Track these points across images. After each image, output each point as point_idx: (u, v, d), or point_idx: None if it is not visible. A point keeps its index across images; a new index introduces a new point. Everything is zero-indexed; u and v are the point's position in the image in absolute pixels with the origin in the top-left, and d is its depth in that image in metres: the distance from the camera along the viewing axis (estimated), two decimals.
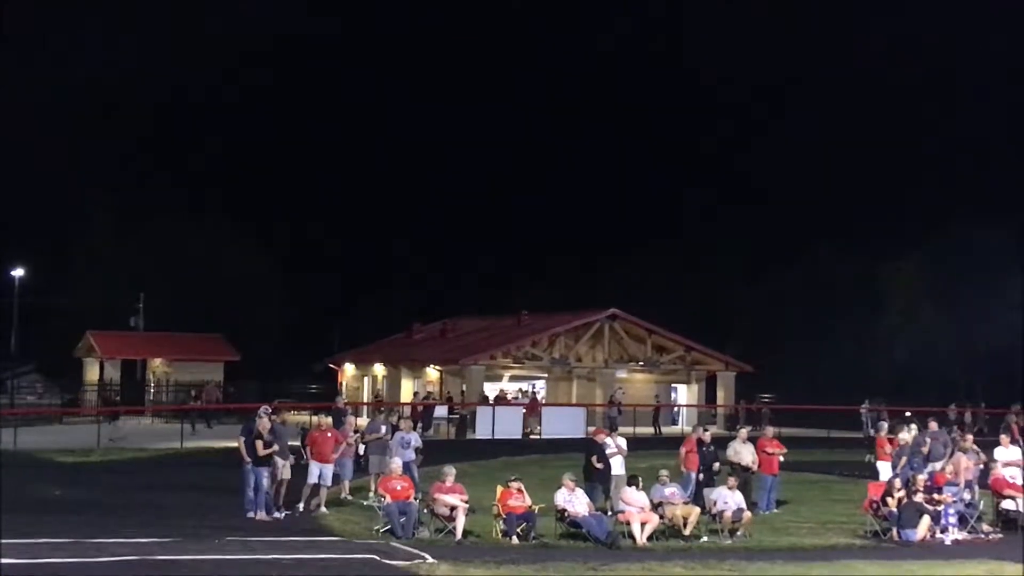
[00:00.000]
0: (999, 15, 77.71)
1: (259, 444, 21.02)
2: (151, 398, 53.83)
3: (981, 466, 24.21)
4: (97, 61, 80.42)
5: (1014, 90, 75.50)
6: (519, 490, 19.80)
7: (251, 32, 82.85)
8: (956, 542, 20.26)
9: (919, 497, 20.66)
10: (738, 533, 20.29)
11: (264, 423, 21.42)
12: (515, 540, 19.07)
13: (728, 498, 20.84)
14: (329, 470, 22.70)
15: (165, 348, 56.90)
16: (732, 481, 21.59)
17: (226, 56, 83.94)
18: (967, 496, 22.14)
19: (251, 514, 20.77)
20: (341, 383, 61.41)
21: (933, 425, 26.50)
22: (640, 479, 20.86)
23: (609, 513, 20.71)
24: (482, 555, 17.60)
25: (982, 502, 22.36)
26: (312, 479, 22.43)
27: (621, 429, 28.66)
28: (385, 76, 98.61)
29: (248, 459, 21.02)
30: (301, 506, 22.14)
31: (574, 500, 19.94)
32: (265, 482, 21.24)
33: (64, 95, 76.33)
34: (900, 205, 74.76)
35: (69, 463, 30.99)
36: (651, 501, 20.38)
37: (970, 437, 26.08)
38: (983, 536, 20.95)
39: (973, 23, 78.48)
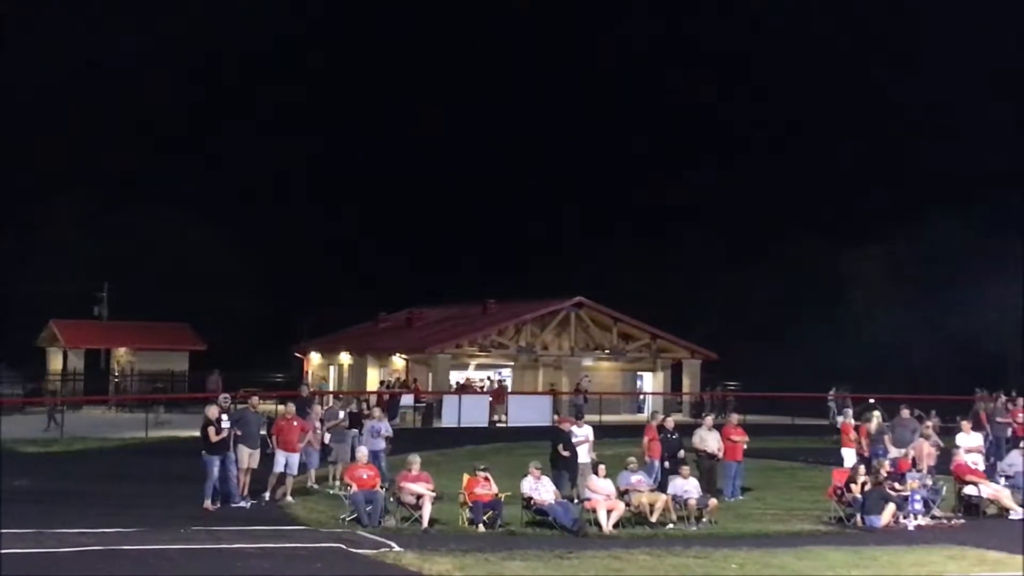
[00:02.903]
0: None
1: (211, 431, 20.93)
2: (115, 387, 53.50)
3: (938, 452, 24.44)
4: (62, 48, 79.64)
5: (984, 84, 76.17)
6: (485, 478, 19.84)
7: (214, 20, 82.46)
8: (919, 528, 20.42)
9: (882, 483, 20.81)
10: (704, 520, 20.39)
11: (212, 410, 21.32)
12: (481, 528, 19.11)
13: (686, 486, 20.95)
14: (295, 459, 22.67)
15: (129, 337, 56.57)
16: (686, 470, 21.71)
17: (186, 42, 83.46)
18: (929, 482, 22.32)
19: (205, 503, 20.69)
20: (307, 372, 61.26)
21: (904, 412, 26.71)
22: (604, 466, 20.92)
23: (575, 501, 20.76)
24: (448, 543, 17.61)
25: (944, 488, 22.55)
26: (278, 468, 22.38)
27: (587, 417, 28.64)
28: (359, 65, 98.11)
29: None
30: (267, 495, 22.09)
31: (540, 488, 19.98)
32: (232, 469, 21.21)
33: (28, 82, 75.61)
34: (868, 194, 75.17)
35: (31, 453, 30.77)
36: (617, 488, 20.46)
37: (930, 423, 26.34)
38: (946, 522, 21.13)
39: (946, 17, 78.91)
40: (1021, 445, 24.56)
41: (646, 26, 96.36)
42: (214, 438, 20.90)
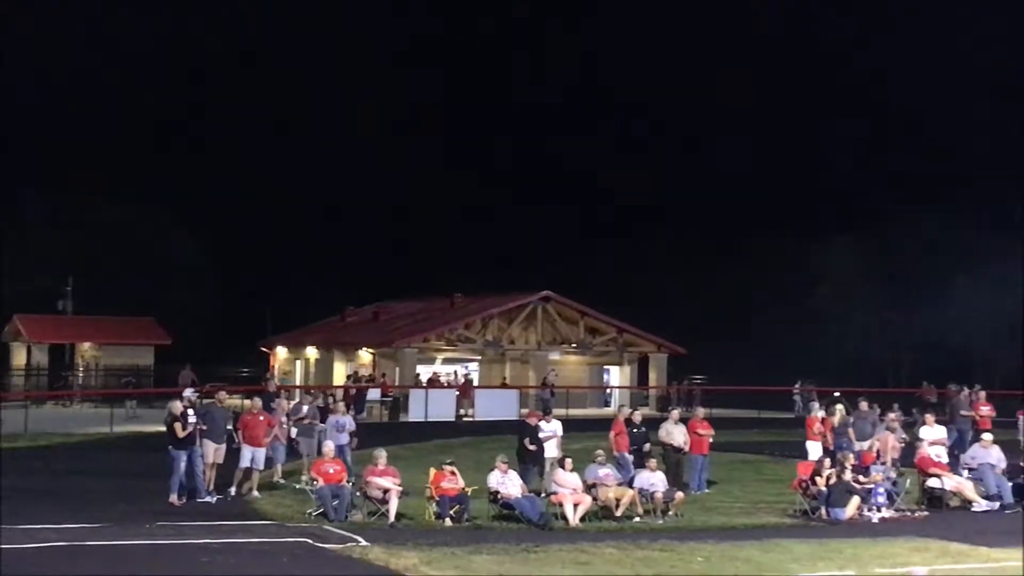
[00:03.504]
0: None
1: (177, 427, 20.85)
2: (80, 382, 53.14)
3: (903, 445, 24.62)
4: (29, 47, 79.02)
5: (951, 82, 76.70)
6: (452, 472, 19.85)
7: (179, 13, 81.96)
8: (883, 520, 20.56)
9: (847, 476, 20.94)
10: (670, 513, 20.46)
11: (178, 405, 21.24)
12: (448, 522, 19.11)
13: (652, 480, 21.02)
14: (261, 454, 22.59)
15: (94, 332, 56.21)
16: (652, 463, 21.79)
17: (149, 38, 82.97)
18: (892, 475, 22.47)
19: (171, 498, 20.62)
20: (273, 366, 61.04)
21: (863, 405, 26.87)
22: (571, 460, 20.96)
23: (542, 495, 20.78)
24: (415, 537, 17.61)
25: (908, 480, 22.72)
26: (244, 463, 22.30)
27: (555, 411, 28.78)
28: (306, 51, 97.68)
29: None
30: (233, 490, 22.03)
31: (507, 482, 20.00)
32: (199, 464, 21.14)
33: None
34: (836, 190, 75.55)
35: None
36: (585, 482, 20.51)
37: (892, 416, 26.50)
38: (909, 514, 21.29)
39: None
40: (984, 437, 24.73)
41: (607, 23, 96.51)
42: (180, 434, 20.81)
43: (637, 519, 20.02)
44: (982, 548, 17.72)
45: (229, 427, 22.53)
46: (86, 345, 55.74)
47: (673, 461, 23.88)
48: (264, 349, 64.03)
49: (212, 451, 21.68)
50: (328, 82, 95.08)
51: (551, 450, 23.06)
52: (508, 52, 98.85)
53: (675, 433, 24.26)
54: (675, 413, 25.51)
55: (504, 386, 50.41)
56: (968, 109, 74.65)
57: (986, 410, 31.18)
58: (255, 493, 22.07)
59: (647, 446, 23.53)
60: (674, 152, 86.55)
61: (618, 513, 19.97)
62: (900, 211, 65.84)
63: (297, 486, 22.76)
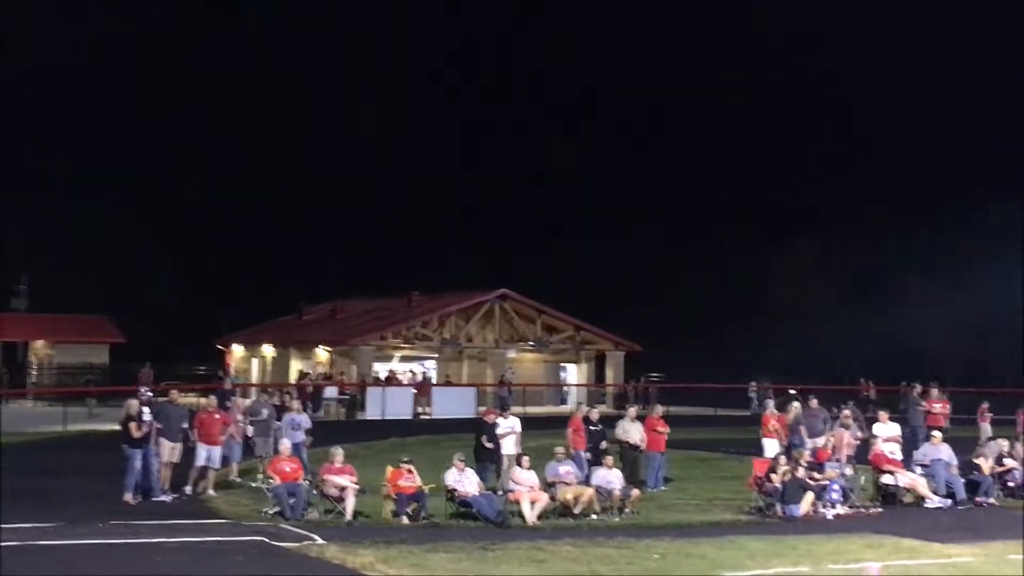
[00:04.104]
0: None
1: (132, 426, 20.71)
2: (33, 380, 52.65)
3: (858, 442, 24.81)
4: None
5: (917, 81, 77.32)
6: (409, 470, 19.82)
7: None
8: (838, 517, 20.71)
9: (801, 473, 21.08)
10: (626, 511, 20.50)
11: (133, 404, 21.10)
12: (405, 520, 19.09)
13: (609, 477, 21.08)
14: (217, 452, 22.48)
15: (48, 329, 55.71)
16: (609, 460, 21.85)
17: (97, 32, 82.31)
18: (848, 472, 22.64)
19: (126, 497, 20.47)
20: (229, 364, 60.77)
21: (814, 402, 27.06)
22: (528, 457, 20.99)
23: (499, 492, 20.80)
24: (372, 535, 17.57)
25: (863, 477, 22.89)
26: (200, 461, 22.19)
27: (512, 409, 28.82)
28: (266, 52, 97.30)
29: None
30: (188, 489, 21.90)
31: (464, 480, 19.99)
32: (154, 463, 21.01)
33: None
34: (794, 189, 76.05)
35: None
36: (544, 479, 20.53)
37: (847, 412, 26.67)
38: (864, 511, 21.46)
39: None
40: (933, 435, 24.97)
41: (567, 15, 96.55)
42: (135, 433, 20.65)
43: (594, 517, 20.04)
44: (935, 544, 17.91)
45: (185, 425, 22.40)
46: (39, 343, 55.24)
47: (630, 459, 23.96)
48: (220, 347, 63.70)
49: (168, 450, 21.54)
50: (325, 81, 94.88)
51: (508, 448, 23.05)
52: (465, 50, 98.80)
53: (632, 431, 24.34)
54: (632, 411, 25.61)
55: (449, 384, 50.40)
56: (931, 110, 75.34)
57: (939, 407, 31.43)
58: (211, 492, 21.96)
59: (604, 444, 23.59)
60: (632, 151, 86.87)
61: (576, 511, 19.99)
62: (856, 211, 66.34)
63: (253, 484, 22.68)
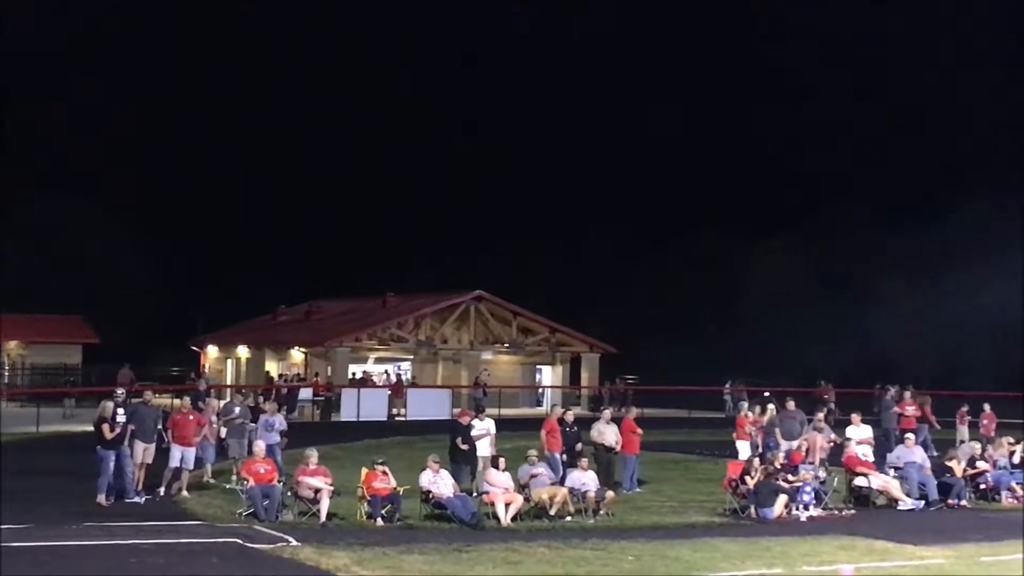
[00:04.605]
0: None
1: (105, 428, 20.62)
2: (6, 381, 52.34)
3: (832, 444, 24.94)
4: None
5: (884, 79, 77.73)
6: (384, 472, 19.79)
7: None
8: (811, 519, 20.80)
9: (775, 475, 21.15)
10: (601, 512, 20.53)
11: (108, 406, 21.01)
12: (380, 522, 19.07)
13: (584, 479, 21.12)
14: (191, 453, 22.41)
15: (20, 330, 55.35)
16: (584, 463, 21.88)
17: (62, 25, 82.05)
18: (821, 474, 22.73)
19: (99, 498, 20.38)
20: (204, 366, 60.57)
21: (790, 404, 27.18)
22: (504, 459, 21.00)
23: (474, 494, 20.80)
24: (346, 537, 17.56)
25: (836, 479, 23.00)
26: (174, 463, 22.12)
27: (488, 410, 28.79)
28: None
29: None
30: (162, 490, 21.83)
31: (439, 481, 19.98)
32: (128, 465, 20.92)
33: None
34: (770, 189, 76.27)
35: None
36: (518, 481, 20.55)
37: (821, 415, 26.83)
38: (837, 513, 21.56)
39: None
40: (906, 437, 25.10)
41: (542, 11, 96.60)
42: (108, 435, 20.57)
43: (568, 518, 20.06)
44: (908, 546, 18.01)
45: (159, 427, 22.32)
46: (12, 343, 54.92)
47: (604, 461, 23.99)
48: (195, 348, 63.49)
49: (141, 451, 21.47)
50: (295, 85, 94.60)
51: (483, 449, 23.06)
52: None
53: (607, 433, 24.37)
54: (607, 413, 25.63)
55: (415, 385, 50.37)
56: (903, 111, 75.73)
57: (911, 410, 31.62)
58: (184, 493, 21.89)
59: (579, 446, 23.62)
60: (607, 151, 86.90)
61: (551, 512, 20.01)
62: (833, 212, 66.59)
63: (227, 486, 22.61)
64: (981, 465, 23.95)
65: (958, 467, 23.51)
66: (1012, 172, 66.15)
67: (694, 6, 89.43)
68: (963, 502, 22.84)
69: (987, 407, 32.29)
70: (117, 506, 20.21)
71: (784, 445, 24.66)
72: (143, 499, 21.04)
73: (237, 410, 25.33)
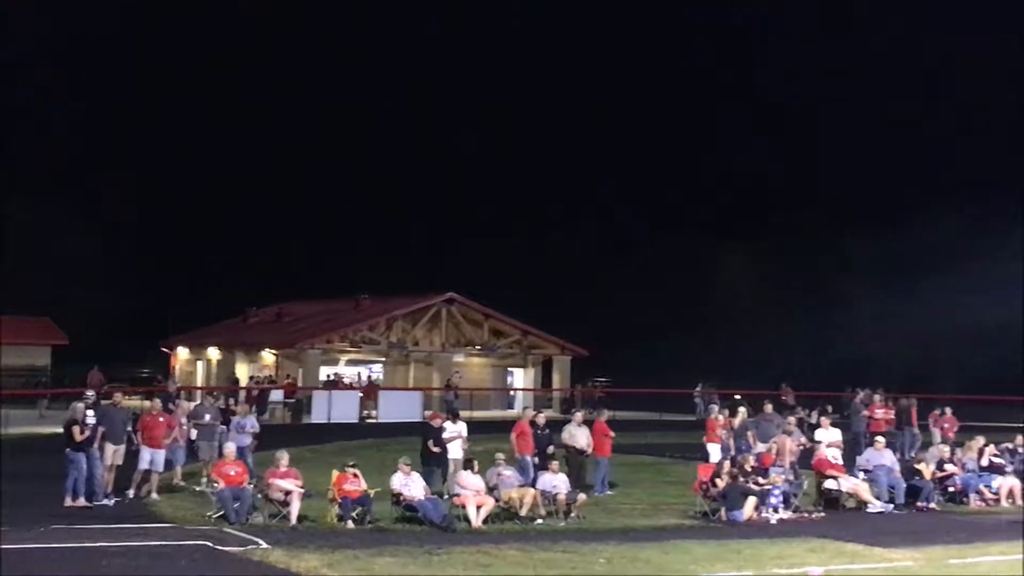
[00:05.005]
0: None
1: (75, 430, 20.50)
2: None
3: (802, 447, 25.06)
4: None
5: (852, 81, 78.03)
6: (355, 474, 19.76)
7: None
8: (781, 521, 20.88)
9: (745, 478, 21.22)
10: (572, 515, 20.55)
11: (79, 408, 20.91)
12: (350, 524, 19.03)
13: (555, 482, 21.13)
14: (161, 455, 22.33)
15: None
16: (554, 465, 21.90)
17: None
18: (791, 476, 22.82)
19: (67, 501, 20.25)
20: (174, 367, 60.30)
21: (768, 407, 27.31)
22: (476, 462, 20.99)
23: (445, 496, 20.78)
24: (317, 540, 17.52)
25: (805, 482, 23.09)
26: (143, 465, 22.03)
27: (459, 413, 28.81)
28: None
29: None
30: (131, 492, 21.74)
31: (410, 484, 19.99)
32: (97, 467, 20.81)
33: None
34: (740, 192, 76.50)
35: None
36: (487, 484, 20.54)
37: (792, 419, 26.96)
38: (807, 515, 21.65)
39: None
40: (876, 440, 25.24)
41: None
42: (78, 437, 20.46)
43: (540, 521, 20.08)
44: (876, 548, 18.10)
45: (128, 428, 22.21)
46: None
47: (576, 463, 24.02)
48: (165, 349, 63.18)
49: (111, 453, 21.39)
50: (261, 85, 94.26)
51: (455, 452, 23.06)
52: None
53: (578, 435, 24.41)
54: (578, 415, 25.66)
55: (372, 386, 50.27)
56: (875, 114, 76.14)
57: (881, 413, 31.83)
58: (154, 495, 21.80)
59: (550, 449, 23.64)
60: (578, 153, 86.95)
61: (522, 513, 20.02)
62: (801, 215, 66.85)
63: (197, 488, 22.53)
64: (950, 468, 24.11)
65: (927, 470, 23.68)
66: (979, 177, 66.78)
67: (663, 11, 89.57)
68: (932, 505, 22.99)
69: (948, 411, 32.50)
70: (86, 508, 20.08)
71: (759, 448, 24.78)
72: (112, 501, 20.94)
73: (208, 412, 25.25)
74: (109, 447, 21.31)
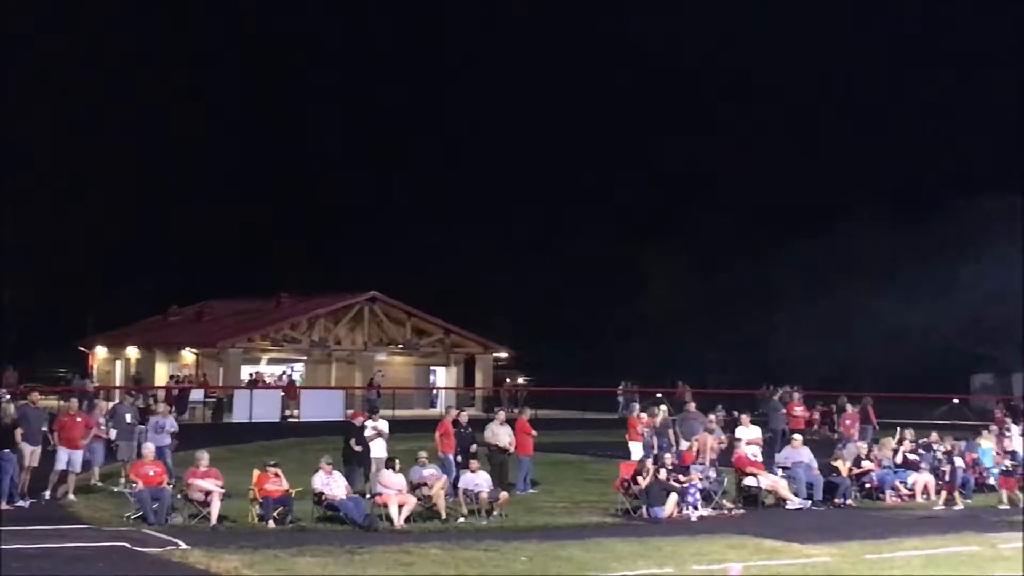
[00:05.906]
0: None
1: (18, 432, 20.22)
2: None
3: (723, 445, 25.32)
4: None
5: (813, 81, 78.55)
6: (276, 474, 19.68)
7: None
8: (701, 518, 21.10)
9: (665, 476, 21.40)
10: (494, 513, 20.60)
11: (8, 409, 20.62)
12: (271, 524, 18.95)
13: (476, 480, 21.17)
14: (78, 456, 22.04)
15: None
16: (475, 464, 21.94)
17: None
18: (712, 474, 23.04)
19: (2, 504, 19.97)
20: (92, 367, 59.52)
21: (691, 406, 27.55)
22: (398, 461, 20.96)
23: (367, 496, 20.74)
24: (237, 540, 17.41)
25: (725, 479, 23.33)
26: (60, 465, 21.72)
27: (381, 412, 28.72)
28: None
29: None
30: (48, 494, 21.45)
31: (332, 483, 19.93)
32: (10, 468, 20.50)
33: None
34: (666, 191, 76.70)
35: None
36: (410, 483, 20.52)
37: (713, 417, 27.23)
38: (727, 512, 21.88)
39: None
40: (794, 438, 25.55)
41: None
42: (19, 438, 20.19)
43: (462, 520, 20.12)
44: (795, 544, 18.34)
45: (45, 429, 21.92)
46: None
47: (498, 462, 24.07)
48: (83, 349, 62.34)
49: (28, 453, 21.07)
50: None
51: (377, 451, 23.01)
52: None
53: (500, 434, 24.47)
54: (501, 414, 25.72)
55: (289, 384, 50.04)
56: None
57: (799, 411, 32.23)
58: (71, 497, 21.53)
59: (473, 447, 23.67)
60: (504, 150, 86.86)
61: (443, 514, 20.03)
62: (727, 215, 67.30)
63: (115, 489, 22.29)
64: (866, 465, 24.48)
65: (844, 467, 24.03)
66: (910, 175, 67.92)
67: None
68: (849, 501, 23.35)
69: (850, 407, 32.95)
70: (1, 510, 19.77)
71: (683, 445, 25.02)
72: (28, 503, 20.66)
73: (127, 412, 24.97)
74: (27, 447, 21.00)
